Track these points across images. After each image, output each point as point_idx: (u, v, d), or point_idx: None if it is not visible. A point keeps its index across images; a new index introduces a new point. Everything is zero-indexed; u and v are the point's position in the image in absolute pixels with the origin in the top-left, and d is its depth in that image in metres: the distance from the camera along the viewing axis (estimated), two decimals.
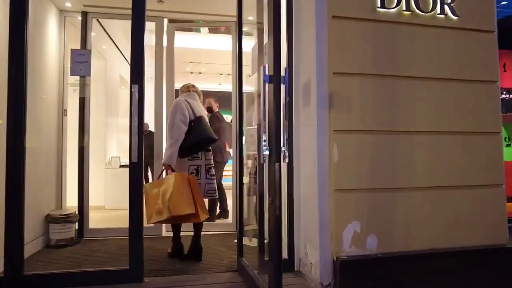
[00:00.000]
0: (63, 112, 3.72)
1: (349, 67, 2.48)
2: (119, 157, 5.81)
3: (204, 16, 4.05)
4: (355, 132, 2.47)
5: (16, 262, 2.33)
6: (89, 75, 2.73)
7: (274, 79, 1.91)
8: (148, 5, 2.98)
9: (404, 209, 2.50)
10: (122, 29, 5.22)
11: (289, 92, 2.77)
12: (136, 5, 2.50)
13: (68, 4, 3.64)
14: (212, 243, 3.50)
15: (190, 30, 8.19)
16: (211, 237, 3.77)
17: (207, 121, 3.18)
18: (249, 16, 3.71)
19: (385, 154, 2.50)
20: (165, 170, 2.94)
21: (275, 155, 1.89)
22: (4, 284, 2.30)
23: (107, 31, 4.87)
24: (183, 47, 6.44)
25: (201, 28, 8.47)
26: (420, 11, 2.58)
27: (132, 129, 2.46)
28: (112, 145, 6.30)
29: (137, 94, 2.47)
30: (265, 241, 3.46)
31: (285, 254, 2.79)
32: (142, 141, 2.52)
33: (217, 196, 3.38)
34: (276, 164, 1.87)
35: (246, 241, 3.14)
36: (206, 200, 3.14)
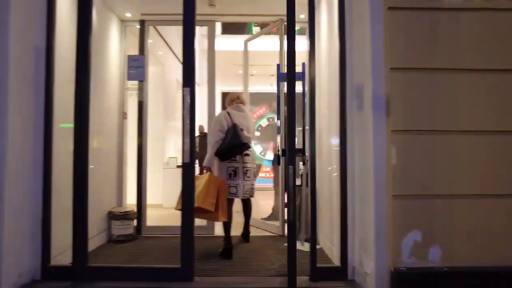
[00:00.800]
0: (123, 115, 3.96)
1: (408, 61, 2.28)
2: (176, 158, 6.07)
3: (255, 17, 4.05)
4: (416, 132, 2.26)
5: (81, 254, 2.52)
6: (144, 80, 2.86)
7: (289, 77, 1.83)
8: (200, 10, 3.05)
9: (474, 218, 2.23)
10: (177, 35, 5.45)
11: (342, 90, 2.64)
12: (187, 11, 2.56)
13: (128, 14, 3.88)
14: (262, 245, 3.47)
15: (242, 32, 8.34)
16: (262, 239, 3.74)
17: (242, 128, 3.32)
18: (301, 15, 3.63)
19: (452, 156, 2.25)
20: (204, 171, 3.30)
21: (288, 157, 1.79)
22: (72, 273, 2.51)
23: (163, 37, 5.11)
24: (234, 50, 6.54)
25: (253, 29, 8.57)
26: None
27: (184, 131, 2.52)
28: (170, 146, 6.61)
29: (188, 97, 2.53)
30: (318, 247, 3.35)
31: (337, 262, 2.67)
32: (194, 142, 2.58)
33: (253, 196, 3.56)
34: (290, 167, 1.78)
35: (298, 245, 3.06)
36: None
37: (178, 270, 2.50)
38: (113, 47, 3.77)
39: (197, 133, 6.57)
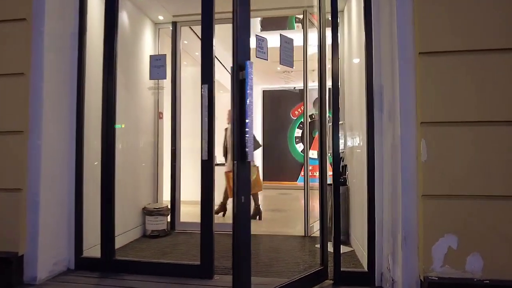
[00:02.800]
0: (158, 115, 4.11)
1: (440, 44, 2.01)
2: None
3: (279, 11, 3.93)
4: (450, 124, 1.99)
5: (109, 249, 2.65)
6: (165, 78, 2.92)
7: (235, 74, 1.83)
8: (225, 7, 3.01)
9: None
10: (215, 35, 5.51)
11: (369, 81, 2.44)
12: (205, 7, 2.56)
13: (161, 17, 4.01)
14: (291, 246, 3.35)
15: (283, 28, 8.22)
16: (292, 239, 3.62)
17: None
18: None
19: (494, 150, 1.94)
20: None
21: (237, 152, 1.81)
22: (100, 265, 2.65)
23: (200, 38, 5.20)
24: (273, 47, 6.44)
25: (295, 25, 8.39)
26: None
27: (202, 128, 2.51)
28: None
29: (206, 94, 2.51)
30: (350, 249, 3.15)
31: (364, 267, 2.47)
32: (212, 140, 2.56)
33: None
34: (235, 162, 1.79)
35: (329, 246, 2.91)
36: None
37: (197, 267, 2.51)
38: (147, 49, 3.93)
39: None
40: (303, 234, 3.70)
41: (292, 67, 2.75)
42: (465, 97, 1.97)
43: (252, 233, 3.95)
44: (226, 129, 4.78)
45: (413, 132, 2.06)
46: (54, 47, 2.58)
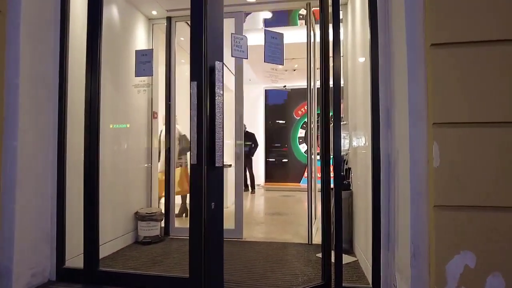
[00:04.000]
0: (152, 115, 3.91)
1: (456, 34, 1.77)
2: None
3: (281, 4, 3.70)
4: (467, 125, 1.75)
5: (92, 259, 2.46)
6: (152, 75, 2.72)
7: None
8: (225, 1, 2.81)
9: None
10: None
11: (374, 75, 2.22)
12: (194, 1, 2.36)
13: (154, 12, 3.81)
14: (291, 254, 3.14)
15: (286, 24, 7.99)
16: (292, 246, 3.40)
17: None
18: None
19: None
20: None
21: (206, 157, 1.76)
22: (83, 276, 2.47)
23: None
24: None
25: (298, 21, 8.17)
26: None
27: (191, 130, 2.30)
28: None
29: (196, 92, 2.30)
30: (353, 259, 2.92)
31: (369, 281, 2.25)
32: (202, 142, 2.35)
33: None
34: (204, 167, 1.75)
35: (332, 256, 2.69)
36: None
37: (186, 281, 2.30)
38: (139, 46, 3.73)
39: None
40: (306, 241, 3.48)
41: (282, 64, 2.54)
42: (485, 93, 1.73)
43: (248, 239, 3.78)
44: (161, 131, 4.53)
45: (424, 134, 1.83)
46: (33, 38, 2.39)
